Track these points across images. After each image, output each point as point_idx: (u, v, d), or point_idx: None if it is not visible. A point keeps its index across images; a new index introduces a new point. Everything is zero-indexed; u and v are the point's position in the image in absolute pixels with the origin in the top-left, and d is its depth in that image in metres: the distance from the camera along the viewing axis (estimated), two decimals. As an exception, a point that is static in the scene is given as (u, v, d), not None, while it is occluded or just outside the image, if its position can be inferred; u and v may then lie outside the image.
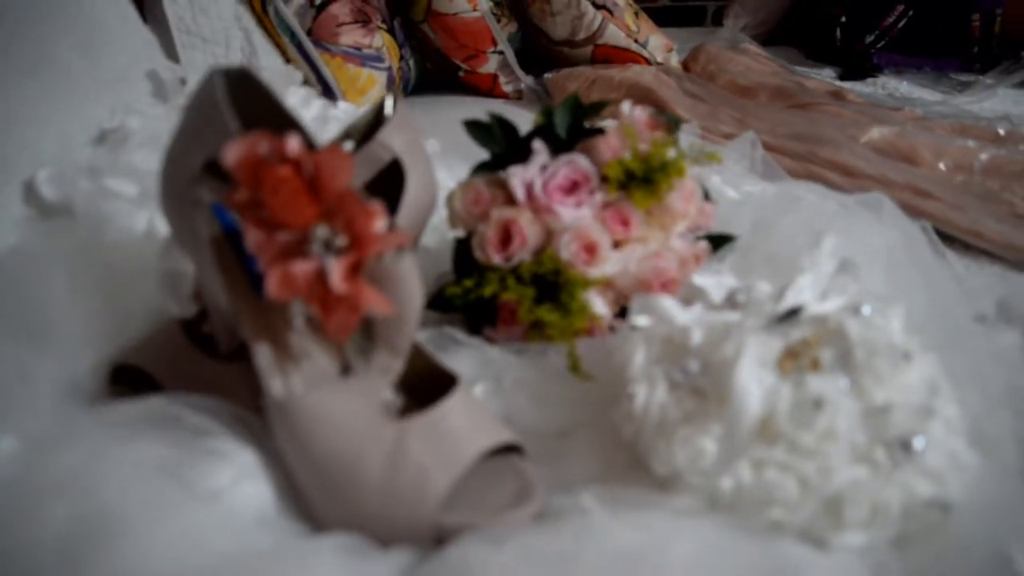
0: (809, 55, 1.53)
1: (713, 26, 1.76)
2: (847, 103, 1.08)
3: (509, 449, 0.43)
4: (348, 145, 0.55)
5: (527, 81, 1.36)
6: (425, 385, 0.46)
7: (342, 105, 0.81)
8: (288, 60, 1.19)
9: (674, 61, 1.32)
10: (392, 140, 0.53)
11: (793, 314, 0.43)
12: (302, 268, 0.38)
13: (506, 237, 0.53)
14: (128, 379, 0.48)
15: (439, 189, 0.57)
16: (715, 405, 0.39)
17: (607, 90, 1.20)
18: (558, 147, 0.56)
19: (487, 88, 1.38)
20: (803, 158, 0.89)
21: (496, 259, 0.53)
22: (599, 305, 0.54)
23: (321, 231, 0.39)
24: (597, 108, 0.57)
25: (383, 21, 1.27)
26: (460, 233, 0.57)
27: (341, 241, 0.38)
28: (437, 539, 0.39)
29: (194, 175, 0.40)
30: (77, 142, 0.60)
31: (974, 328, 0.51)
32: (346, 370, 0.45)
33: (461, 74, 1.37)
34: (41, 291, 0.46)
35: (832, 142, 0.89)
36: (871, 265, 0.57)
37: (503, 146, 0.57)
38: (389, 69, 1.25)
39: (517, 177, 0.54)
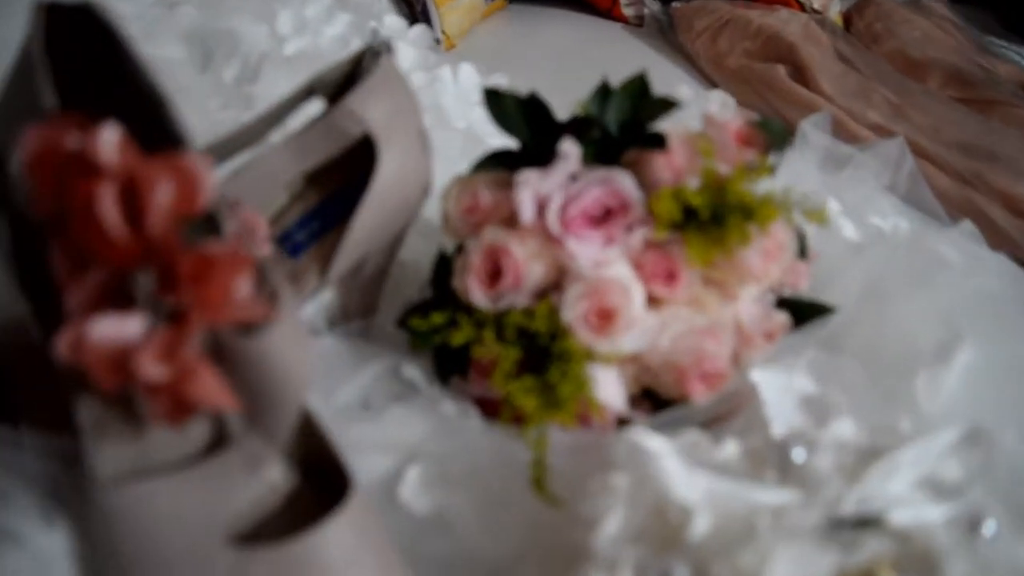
0: (1007, 25, 1.21)
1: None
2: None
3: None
4: (315, 104, 0.41)
5: (652, 7, 1.15)
6: (326, 466, 0.34)
7: (390, 20, 0.65)
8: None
9: (835, 11, 1.07)
10: (365, 108, 0.38)
11: (865, 524, 0.27)
12: (110, 328, 0.25)
13: (496, 269, 0.39)
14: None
15: (431, 176, 0.43)
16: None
17: (741, 36, 0.98)
18: (606, 151, 0.40)
19: (605, 7, 1.17)
20: (966, 180, 0.67)
21: (477, 296, 0.39)
22: (608, 385, 0.39)
23: (145, 280, 0.25)
24: (667, 105, 0.40)
25: (493, -89, 1.07)
26: (450, 244, 0.43)
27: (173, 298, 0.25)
28: None
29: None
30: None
31: None
32: (221, 440, 0.33)
33: (577, -14, 1.17)
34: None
35: (1012, 165, 0.67)
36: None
37: (526, 136, 0.41)
38: (489, -31, 1.07)
39: (528, 187, 0.38)
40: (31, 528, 0.30)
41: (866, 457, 0.30)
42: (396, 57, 0.40)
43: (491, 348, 0.38)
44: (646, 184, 0.39)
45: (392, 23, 0.65)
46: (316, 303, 0.46)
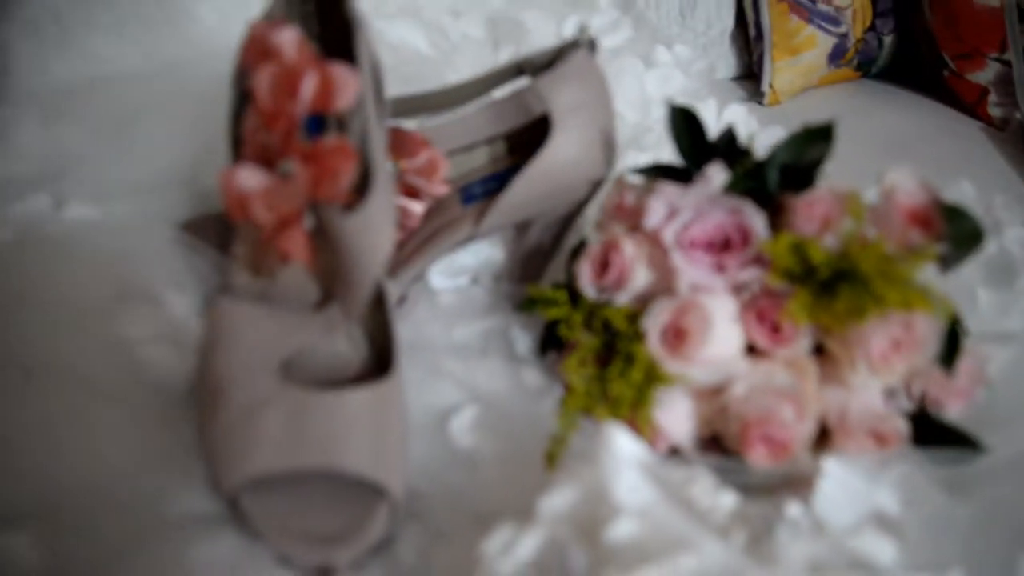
0: None
1: None
2: None
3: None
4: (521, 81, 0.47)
5: (1025, 112, 1.00)
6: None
7: (679, 50, 0.68)
8: (738, -10, 1.06)
9: None
10: (551, 92, 0.43)
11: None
12: (246, 176, 0.33)
13: (607, 263, 0.41)
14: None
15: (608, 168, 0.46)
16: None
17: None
18: (762, 190, 0.39)
19: (969, 101, 1.05)
20: None
21: (584, 282, 0.41)
22: (674, 413, 0.38)
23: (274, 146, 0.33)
24: (824, 148, 0.38)
25: (868, -22, 1.03)
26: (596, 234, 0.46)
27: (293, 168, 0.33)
28: (231, 500, 0.34)
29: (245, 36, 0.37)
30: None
31: None
32: (326, 300, 0.40)
33: (945, 73, 1.07)
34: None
35: None
36: None
37: (688, 153, 0.42)
38: (844, 36, 1.03)
39: (663, 197, 0.39)
40: (190, 317, 0.40)
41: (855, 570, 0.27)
42: (596, 55, 0.43)
43: (575, 332, 0.40)
44: (784, 226, 0.38)
45: (680, 52, 0.68)
46: (483, 258, 0.52)
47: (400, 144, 0.44)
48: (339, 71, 0.32)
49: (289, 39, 0.32)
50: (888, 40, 1.09)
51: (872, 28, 1.06)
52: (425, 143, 0.45)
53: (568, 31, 0.64)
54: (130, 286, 0.41)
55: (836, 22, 1.02)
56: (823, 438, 0.38)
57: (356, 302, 0.36)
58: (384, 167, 0.35)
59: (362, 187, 0.35)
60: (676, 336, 0.37)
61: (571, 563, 0.27)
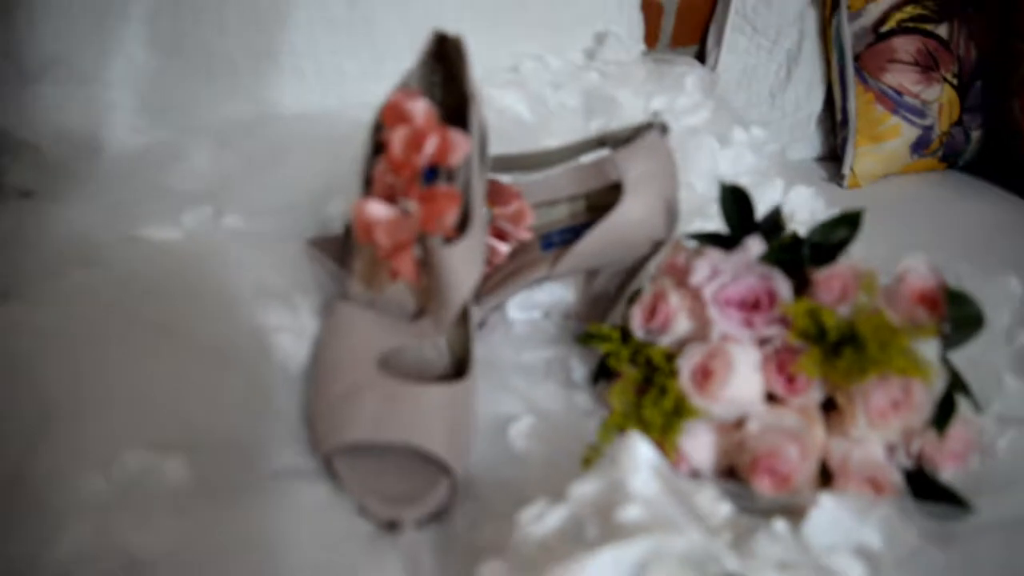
0: None
1: None
2: None
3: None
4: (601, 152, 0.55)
5: (1110, 216, 1.01)
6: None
7: (755, 131, 0.76)
8: (829, 77, 1.12)
9: None
10: (626, 163, 0.51)
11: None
12: (375, 208, 0.43)
13: (655, 309, 0.48)
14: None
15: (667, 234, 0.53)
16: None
17: None
18: (793, 262, 0.46)
19: (1054, 199, 1.07)
20: None
21: (635, 324, 0.48)
22: (698, 441, 0.45)
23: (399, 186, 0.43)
24: (850, 233, 0.44)
25: (957, 75, 1.07)
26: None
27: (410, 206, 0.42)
28: (327, 460, 0.43)
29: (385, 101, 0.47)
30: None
31: None
32: (421, 314, 0.49)
33: (1031, 171, 1.09)
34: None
35: None
36: None
37: (735, 226, 0.49)
38: (928, 128, 1.08)
39: (707, 260, 0.47)
40: (311, 314, 0.50)
41: None
42: (667, 136, 0.52)
43: (622, 364, 0.48)
44: (806, 294, 0.44)
45: (756, 134, 0.75)
46: (556, 297, 0.60)
47: (496, 194, 0.54)
48: (455, 136, 0.41)
49: (420, 108, 0.42)
50: (975, 135, 1.12)
51: (959, 123, 1.10)
52: (517, 195, 0.54)
53: (655, 107, 0.73)
54: (266, 285, 0.52)
55: (922, 115, 1.06)
56: (826, 480, 0.44)
57: (445, 319, 0.45)
58: (481, 212, 0.44)
59: (462, 226, 0.44)
60: (704, 376, 0.44)
61: (586, 534, 0.34)
